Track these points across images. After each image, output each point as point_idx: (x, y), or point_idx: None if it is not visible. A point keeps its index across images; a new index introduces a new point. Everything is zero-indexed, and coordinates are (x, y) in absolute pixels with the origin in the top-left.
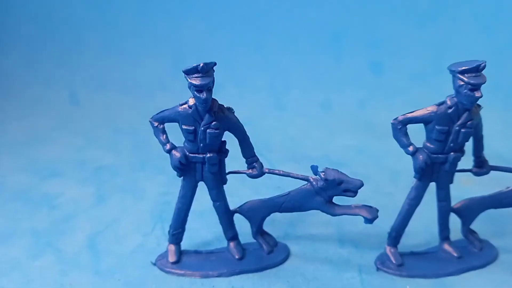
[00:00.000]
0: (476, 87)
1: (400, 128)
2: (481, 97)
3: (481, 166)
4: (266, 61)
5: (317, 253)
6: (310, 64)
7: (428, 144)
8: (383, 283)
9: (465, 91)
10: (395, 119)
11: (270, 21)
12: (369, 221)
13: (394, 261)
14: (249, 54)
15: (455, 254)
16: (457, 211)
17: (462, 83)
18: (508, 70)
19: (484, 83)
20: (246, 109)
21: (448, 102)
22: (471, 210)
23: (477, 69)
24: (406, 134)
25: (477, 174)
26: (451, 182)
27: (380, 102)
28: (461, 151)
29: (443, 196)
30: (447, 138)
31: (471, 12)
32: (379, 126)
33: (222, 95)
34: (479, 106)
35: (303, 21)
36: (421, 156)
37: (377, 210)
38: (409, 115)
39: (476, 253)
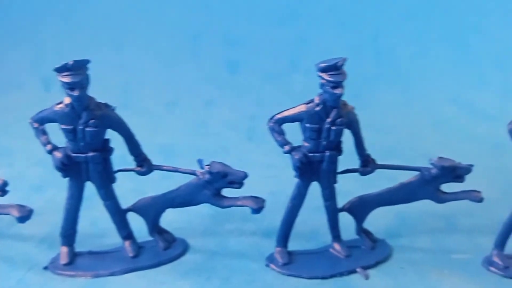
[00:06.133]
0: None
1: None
2: None
3: (141, 165)
4: (125, 60)
5: None
6: (167, 63)
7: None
8: (40, 282)
9: None
10: None
11: (131, 20)
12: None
13: (61, 261)
14: (109, 53)
15: (131, 254)
16: (133, 210)
17: None
18: (363, 68)
19: None
20: None
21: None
22: (147, 208)
23: None
24: (44, 133)
25: (139, 173)
26: (111, 182)
27: (229, 100)
28: (101, 150)
29: (104, 196)
30: (75, 137)
31: (328, 10)
32: (208, 124)
33: None
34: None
35: (163, 20)
36: (57, 154)
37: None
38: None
39: (160, 253)
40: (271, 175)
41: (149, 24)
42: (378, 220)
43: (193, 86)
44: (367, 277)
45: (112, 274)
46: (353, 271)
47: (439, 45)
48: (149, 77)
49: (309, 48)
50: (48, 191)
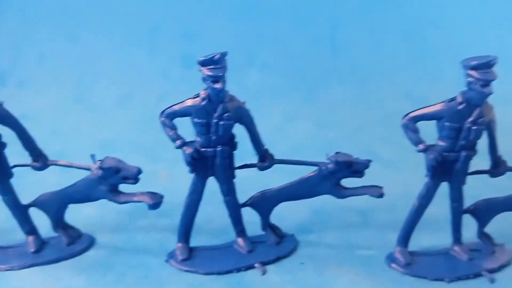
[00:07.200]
0: None
1: None
2: None
3: (37, 160)
4: (80, 53)
5: None
6: (122, 56)
7: None
8: None
9: None
10: None
11: (86, 13)
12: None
13: None
14: (65, 47)
15: (32, 249)
16: (35, 205)
17: None
18: (319, 62)
19: None
20: (47, 102)
21: None
22: (48, 204)
23: None
24: None
25: (34, 168)
26: (8, 178)
27: (183, 95)
28: None
29: (1, 192)
30: None
31: (285, 4)
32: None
33: (29, 87)
34: None
35: (119, 13)
36: None
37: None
38: None
39: (63, 248)
40: None
41: (105, 17)
42: (293, 215)
43: (148, 80)
44: (264, 273)
45: (10, 269)
46: (252, 267)
47: (395, 40)
48: (103, 70)
49: (265, 42)
50: None
